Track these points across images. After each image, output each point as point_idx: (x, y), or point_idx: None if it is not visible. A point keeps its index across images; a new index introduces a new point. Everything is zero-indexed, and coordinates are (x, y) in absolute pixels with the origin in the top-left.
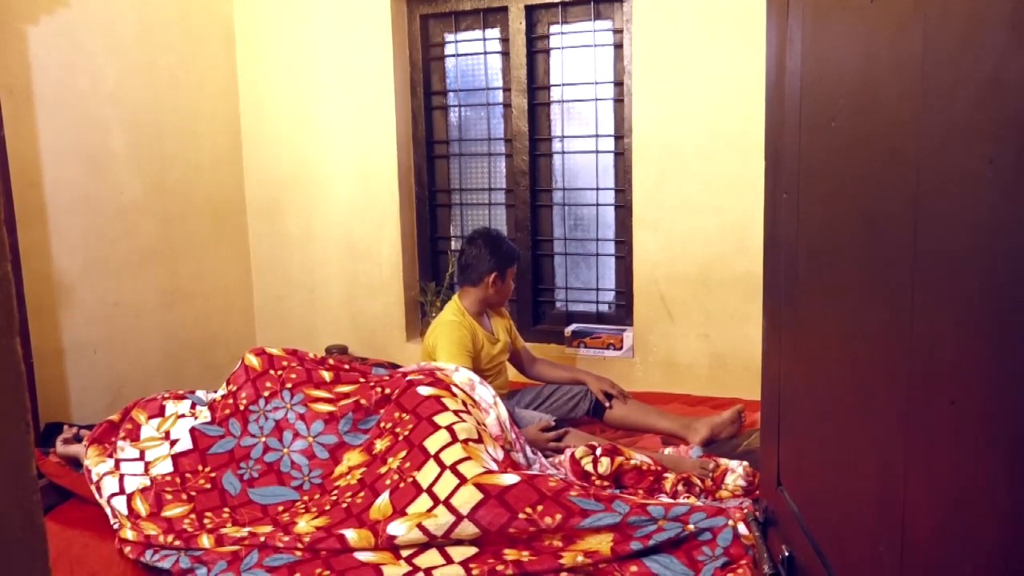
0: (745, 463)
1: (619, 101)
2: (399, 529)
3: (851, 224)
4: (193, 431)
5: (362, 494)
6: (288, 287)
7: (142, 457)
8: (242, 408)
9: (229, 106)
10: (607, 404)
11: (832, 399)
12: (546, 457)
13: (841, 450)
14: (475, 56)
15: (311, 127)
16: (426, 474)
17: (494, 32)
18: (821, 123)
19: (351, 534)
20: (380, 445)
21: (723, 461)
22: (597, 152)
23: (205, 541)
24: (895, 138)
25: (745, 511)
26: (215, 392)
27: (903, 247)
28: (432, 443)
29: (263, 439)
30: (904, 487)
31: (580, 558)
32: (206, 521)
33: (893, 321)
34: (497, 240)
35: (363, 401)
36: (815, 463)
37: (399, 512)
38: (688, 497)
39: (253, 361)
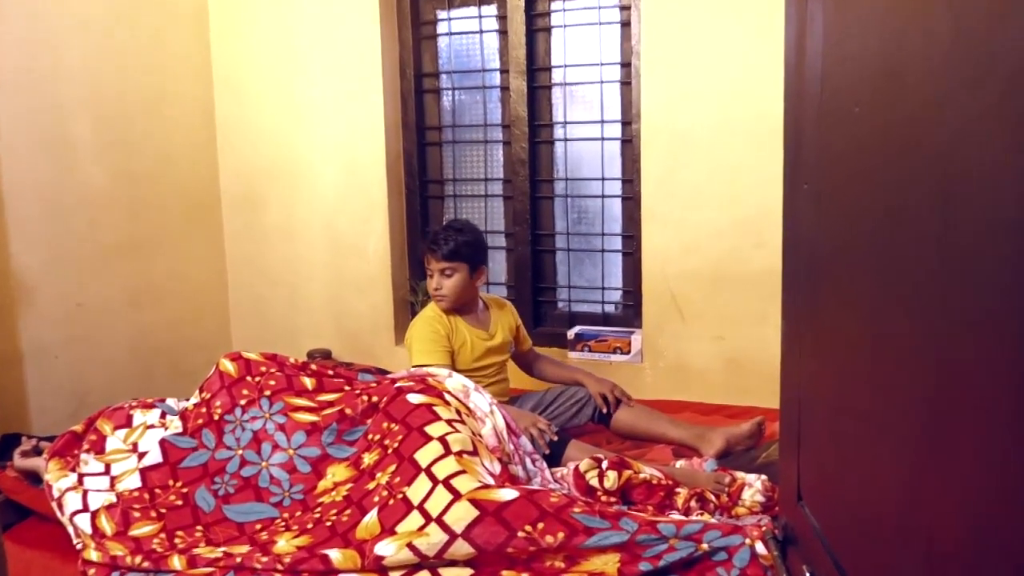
0: (764, 477)
1: (626, 84)
2: (388, 549)
3: (874, 216)
4: (163, 443)
5: (348, 511)
6: (267, 286)
7: (108, 471)
8: (216, 418)
9: (202, 88)
10: (605, 409)
11: (856, 406)
12: (546, 461)
13: (866, 462)
14: (470, 35)
15: (291, 111)
16: (417, 489)
17: (490, 9)
18: (843, 109)
19: (335, 554)
20: (367, 458)
21: (740, 475)
22: (602, 139)
23: (176, 562)
24: (921, 125)
25: (763, 529)
26: (187, 400)
27: (929, 242)
28: (423, 456)
29: (239, 452)
30: (932, 502)
31: None
32: (177, 540)
33: (918, 321)
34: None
35: (348, 410)
36: (839, 476)
37: (388, 531)
38: (702, 514)
39: (228, 367)
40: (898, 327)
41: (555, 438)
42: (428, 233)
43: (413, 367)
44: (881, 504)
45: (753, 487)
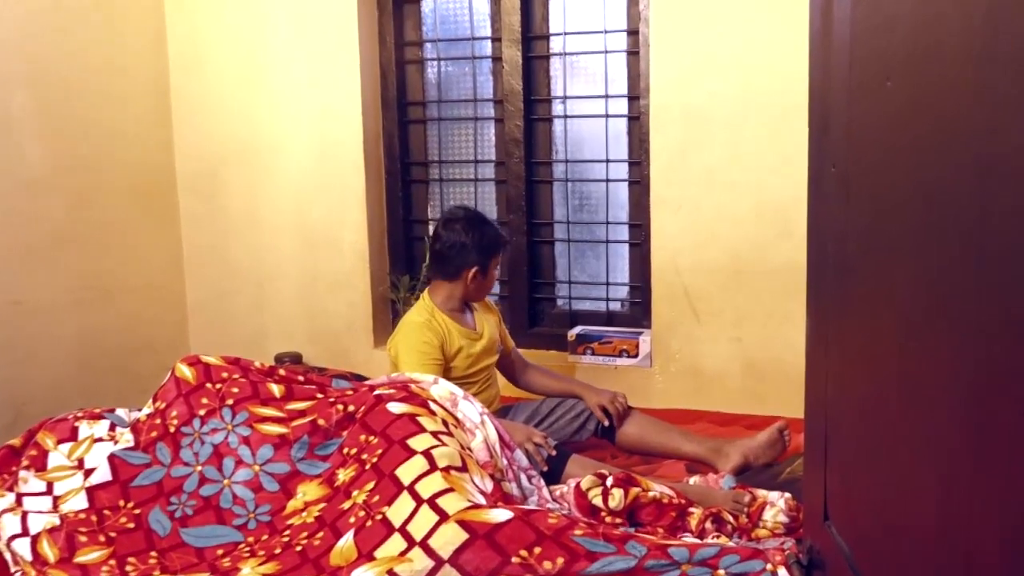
0: (787, 495)
1: (634, 54)
2: None
3: (908, 202)
4: (113, 459)
5: (321, 535)
6: (229, 281)
7: (50, 491)
8: (172, 430)
9: (156, 60)
10: (606, 423)
11: (889, 414)
12: (544, 478)
13: (900, 476)
14: None
15: (256, 85)
16: (399, 509)
17: None
18: (874, 82)
19: None
20: (342, 475)
21: (761, 493)
22: (607, 116)
23: None
24: (958, 101)
25: (787, 553)
26: (139, 411)
27: (969, 229)
28: (406, 472)
29: (198, 468)
30: (973, 521)
31: None
32: (129, 568)
33: (957, 319)
34: (480, 226)
35: (321, 421)
36: (870, 493)
37: (366, 556)
38: (718, 536)
39: (186, 372)
40: (935, 326)
41: (553, 453)
42: (498, 234)
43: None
44: (916, 524)
45: (775, 506)
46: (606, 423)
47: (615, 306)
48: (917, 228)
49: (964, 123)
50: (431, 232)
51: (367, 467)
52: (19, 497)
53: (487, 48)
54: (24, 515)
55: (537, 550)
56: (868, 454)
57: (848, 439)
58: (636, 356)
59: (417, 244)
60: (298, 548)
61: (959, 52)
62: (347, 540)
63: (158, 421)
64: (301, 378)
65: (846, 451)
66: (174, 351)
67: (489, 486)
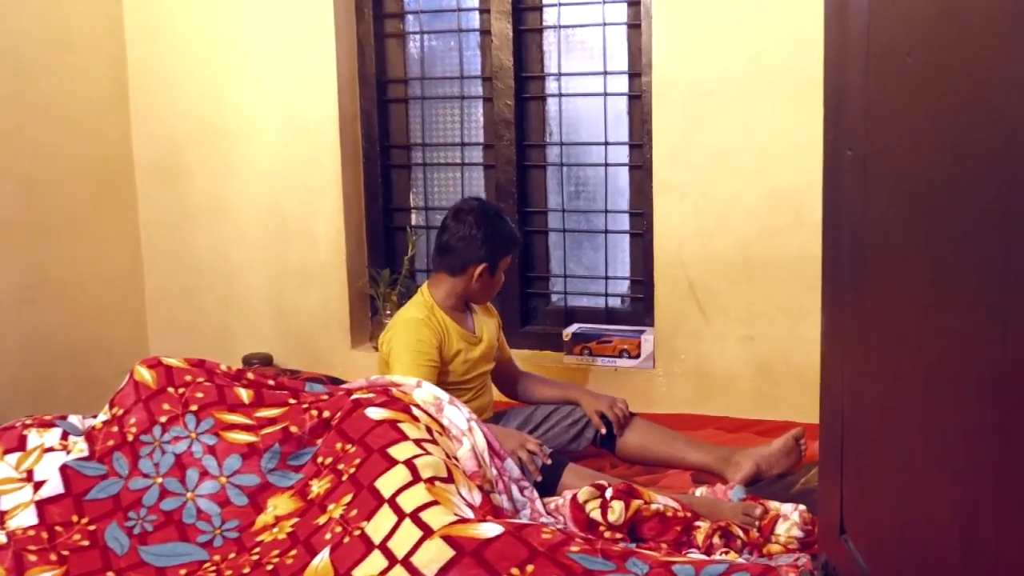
0: (802, 507)
1: (635, 26)
2: None
3: (931, 186)
4: (65, 470)
5: (293, 552)
6: (192, 276)
7: None
8: (131, 439)
9: (112, 32)
10: (603, 430)
11: (911, 419)
12: (538, 490)
13: (923, 487)
14: None
15: (222, 60)
16: (379, 524)
17: None
18: (894, 58)
19: None
20: (317, 487)
21: (773, 505)
22: (605, 95)
23: None
24: (983, 79)
25: (801, 569)
26: (94, 417)
27: (996, 216)
28: (386, 483)
29: (159, 480)
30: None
31: None
32: None
33: (985, 314)
34: (494, 220)
35: (294, 428)
36: (889, 504)
37: (343, 575)
38: (727, 552)
39: (145, 376)
40: (961, 322)
41: (548, 461)
42: (512, 233)
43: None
44: (939, 537)
45: (789, 519)
46: (603, 431)
47: (615, 302)
48: (941, 215)
49: (991, 101)
50: (417, 223)
51: (344, 478)
52: None
53: (474, 20)
54: None
55: (530, 568)
56: (888, 462)
57: (866, 446)
58: (638, 357)
59: (398, 234)
60: (269, 567)
61: (986, 23)
62: (322, 558)
63: (115, 429)
64: (272, 382)
65: (864, 459)
66: (132, 352)
67: (477, 498)
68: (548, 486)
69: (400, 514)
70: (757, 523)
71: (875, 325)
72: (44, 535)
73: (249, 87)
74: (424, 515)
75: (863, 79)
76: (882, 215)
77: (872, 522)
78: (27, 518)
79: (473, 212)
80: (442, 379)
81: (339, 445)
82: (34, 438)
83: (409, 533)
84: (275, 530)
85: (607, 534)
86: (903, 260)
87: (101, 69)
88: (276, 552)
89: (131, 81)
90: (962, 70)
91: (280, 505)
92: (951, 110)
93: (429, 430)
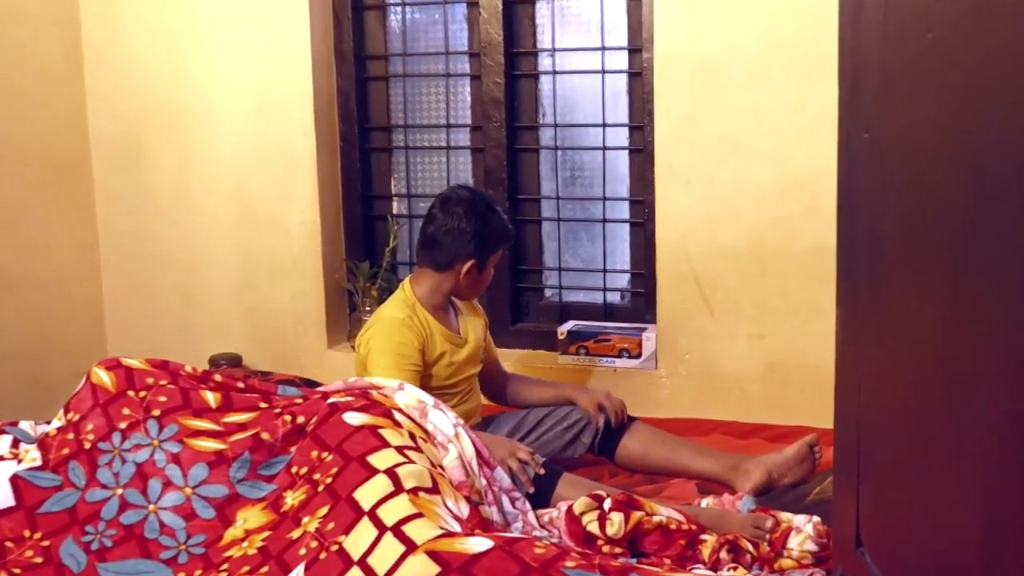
0: (816, 519)
1: None
2: None
3: (954, 173)
4: (16, 480)
5: (265, 569)
6: (154, 269)
7: None
8: (88, 446)
9: (65, 4)
10: (600, 422)
11: (933, 424)
12: (531, 501)
13: (945, 496)
14: None
15: (186, 35)
16: (358, 539)
17: None
18: (914, 34)
19: None
20: (291, 498)
21: (785, 516)
22: (603, 72)
23: None
24: (1009, 56)
25: None
26: (47, 423)
27: (1021, 204)
28: (366, 494)
29: (119, 491)
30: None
31: None
32: None
33: (1010, 310)
34: (485, 212)
35: (265, 435)
36: (909, 515)
37: None
38: (735, 568)
39: (103, 378)
40: (988, 318)
41: (541, 471)
42: (504, 226)
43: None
44: (964, 551)
45: (802, 532)
46: (600, 423)
47: (613, 297)
48: (965, 204)
49: (1019, 79)
50: (399, 212)
51: (320, 489)
52: None
53: None
54: None
55: None
56: (908, 470)
57: (885, 452)
58: (639, 357)
59: (378, 224)
60: None
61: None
62: (297, 575)
63: (71, 436)
64: (241, 384)
65: (882, 466)
66: (89, 353)
67: (465, 510)
68: (541, 496)
69: (381, 527)
70: (768, 536)
71: (894, 321)
72: None
73: (215, 63)
74: (407, 528)
75: (880, 57)
76: (901, 203)
77: (891, 534)
78: None
79: (463, 203)
80: (425, 383)
81: (314, 453)
82: None
83: (391, 548)
84: (245, 545)
85: (605, 548)
86: (924, 251)
87: (53, 43)
88: (246, 568)
89: (86, 57)
90: (987, 46)
91: (250, 518)
92: (975, 89)
93: (412, 436)
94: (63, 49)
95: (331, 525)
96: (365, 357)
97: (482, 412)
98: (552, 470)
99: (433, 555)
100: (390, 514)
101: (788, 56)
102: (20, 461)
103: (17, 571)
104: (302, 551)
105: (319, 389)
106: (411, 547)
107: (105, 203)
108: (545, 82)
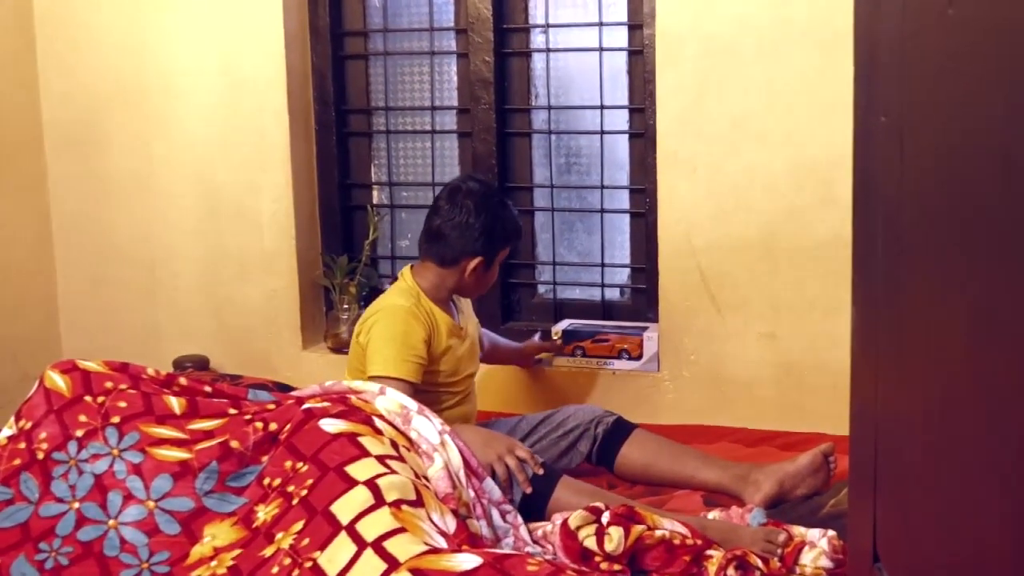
0: (831, 532)
1: None
2: None
3: (978, 160)
4: None
5: None
6: (112, 264)
7: None
8: (42, 457)
9: None
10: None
11: (955, 430)
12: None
13: (966, 509)
14: None
15: (148, 8)
16: (335, 555)
17: None
18: (934, 8)
19: None
20: (263, 513)
21: (798, 530)
22: (600, 49)
23: None
24: None
25: None
26: None
27: None
28: (344, 507)
29: (76, 505)
30: None
31: None
32: None
33: None
34: (496, 207)
35: (235, 443)
36: (929, 529)
37: None
38: None
39: (58, 382)
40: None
41: (540, 471)
42: (515, 223)
43: (371, 378)
44: (989, 567)
45: (816, 547)
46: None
47: (612, 294)
48: (990, 192)
49: None
50: (381, 202)
51: (294, 502)
52: None
53: None
54: None
55: None
56: (929, 480)
57: (904, 462)
58: (639, 358)
59: (358, 215)
60: None
61: None
62: None
63: (22, 445)
64: (208, 388)
65: (902, 477)
66: (42, 355)
67: (451, 525)
68: (538, 500)
69: (361, 543)
70: (779, 551)
71: (915, 319)
72: None
73: (179, 38)
74: (389, 544)
75: (898, 35)
76: (921, 191)
77: (912, 550)
78: None
79: (472, 195)
80: (429, 379)
81: (288, 463)
82: None
83: (371, 566)
84: (213, 564)
85: (604, 565)
86: (947, 243)
87: (1, 16)
88: None
89: (38, 30)
90: (1013, 22)
91: (219, 534)
92: (1000, 70)
93: (395, 445)
94: (12, 23)
95: (306, 541)
96: (365, 346)
97: (477, 419)
98: (551, 471)
99: (417, 573)
100: (371, 529)
101: (801, 32)
102: None
103: None
104: (275, 569)
105: (293, 394)
106: (393, 564)
107: (59, 191)
108: (538, 60)
